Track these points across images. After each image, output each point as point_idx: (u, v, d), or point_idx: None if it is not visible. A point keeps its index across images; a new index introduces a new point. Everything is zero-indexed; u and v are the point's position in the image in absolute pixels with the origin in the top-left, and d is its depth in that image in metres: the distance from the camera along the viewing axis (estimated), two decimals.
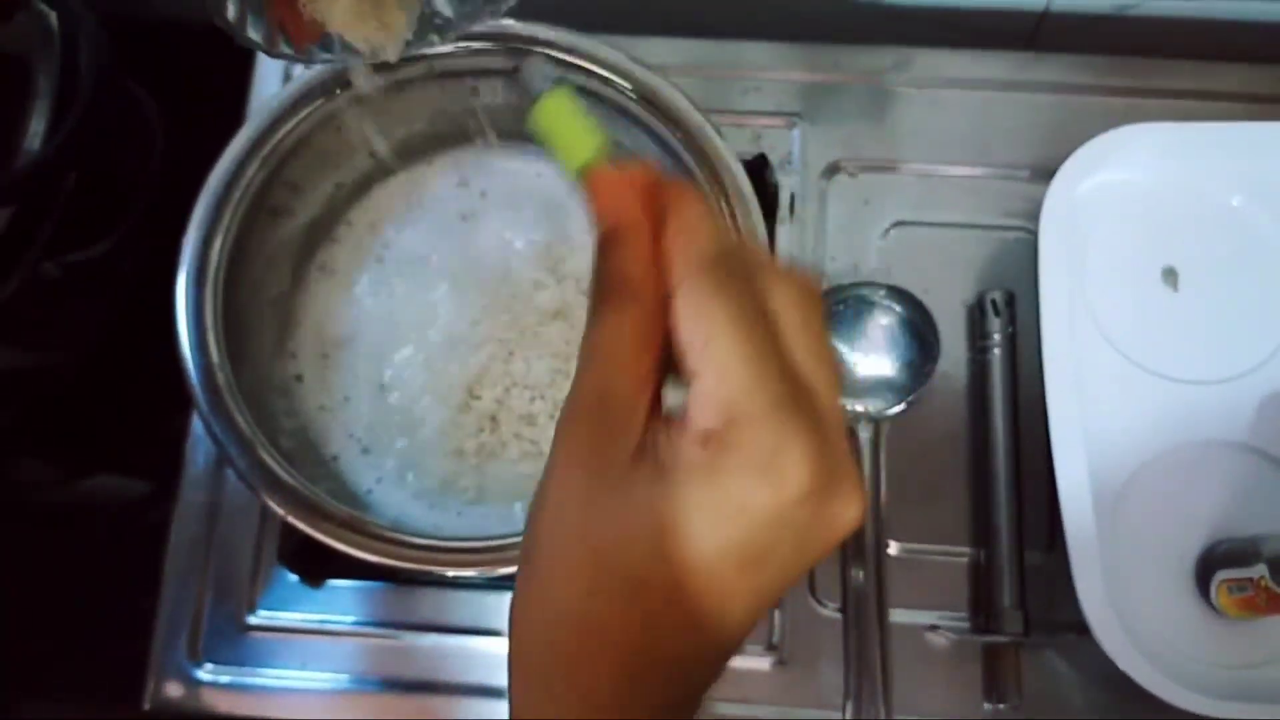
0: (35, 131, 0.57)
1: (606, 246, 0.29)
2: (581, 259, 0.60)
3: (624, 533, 0.26)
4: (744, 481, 0.26)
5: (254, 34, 0.43)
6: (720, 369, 0.26)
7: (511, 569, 0.47)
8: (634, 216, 0.29)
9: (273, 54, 0.44)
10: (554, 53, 0.54)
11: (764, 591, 0.27)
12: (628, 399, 0.28)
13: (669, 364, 0.28)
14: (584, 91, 0.55)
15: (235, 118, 0.54)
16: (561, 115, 0.31)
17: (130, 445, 0.76)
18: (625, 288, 0.28)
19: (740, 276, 0.28)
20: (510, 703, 0.29)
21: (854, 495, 0.27)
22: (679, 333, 0.27)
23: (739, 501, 0.26)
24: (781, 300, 0.28)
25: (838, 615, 0.57)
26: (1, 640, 0.67)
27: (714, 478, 0.26)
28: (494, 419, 0.57)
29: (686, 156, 0.53)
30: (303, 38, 0.44)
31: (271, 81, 0.67)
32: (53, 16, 0.57)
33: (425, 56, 0.55)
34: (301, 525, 0.48)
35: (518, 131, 0.61)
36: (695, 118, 0.54)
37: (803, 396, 0.27)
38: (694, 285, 0.27)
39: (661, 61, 0.56)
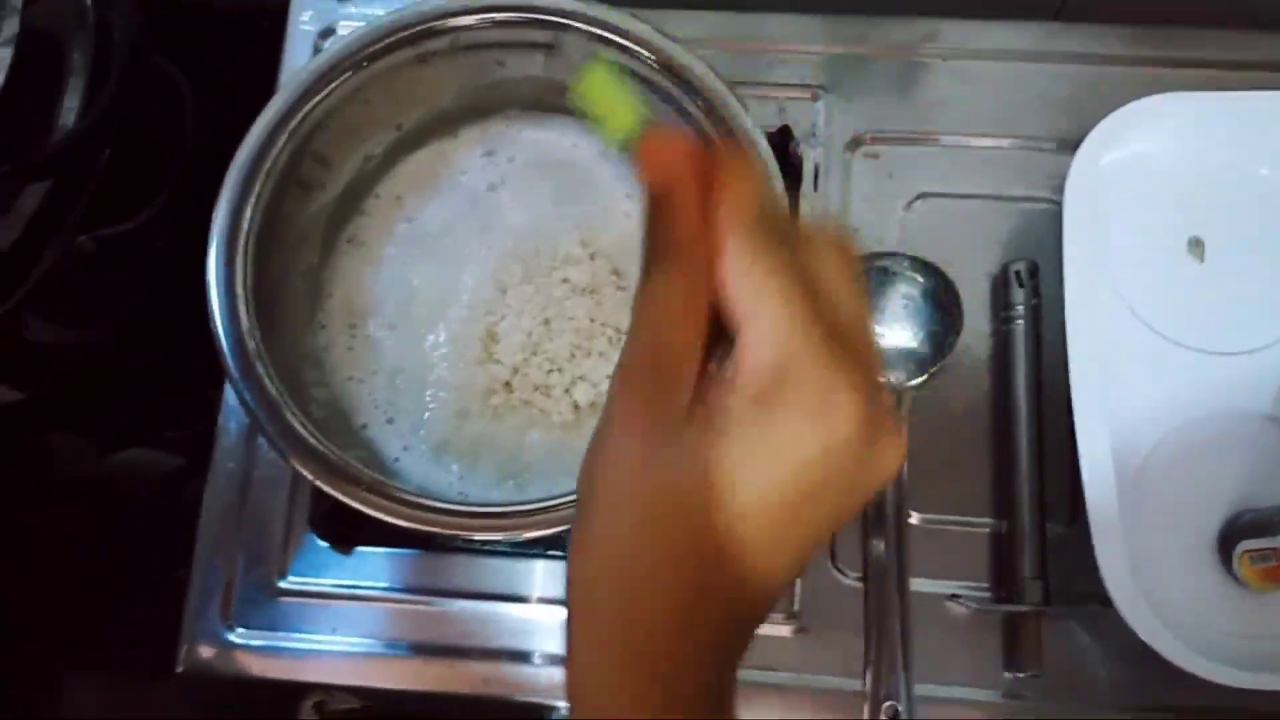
0: (70, 108, 0.58)
1: (655, 210, 0.30)
2: (615, 236, 0.60)
3: (681, 477, 0.28)
4: (796, 425, 0.27)
5: None
6: (770, 316, 0.28)
7: (535, 534, 0.48)
8: (681, 181, 0.30)
9: None
10: (580, 24, 0.54)
11: (810, 536, 0.29)
12: (679, 356, 0.29)
13: (717, 324, 0.29)
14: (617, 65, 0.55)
15: (266, 95, 0.55)
16: (603, 87, 0.31)
17: (164, 420, 0.77)
18: (675, 250, 0.29)
19: (784, 237, 0.29)
20: (567, 644, 0.30)
21: (895, 444, 0.29)
22: (727, 287, 0.29)
23: (790, 444, 0.27)
24: (822, 261, 0.30)
25: (859, 584, 0.57)
26: (38, 613, 0.69)
27: (767, 424, 0.27)
28: (508, 384, 0.57)
29: (710, 128, 0.53)
30: None
31: (301, 56, 0.68)
32: None
33: (450, 30, 0.55)
34: (327, 488, 0.48)
35: (546, 103, 0.61)
36: (719, 90, 0.54)
37: (847, 347, 0.28)
38: (742, 241, 0.29)
39: (688, 34, 0.56)
